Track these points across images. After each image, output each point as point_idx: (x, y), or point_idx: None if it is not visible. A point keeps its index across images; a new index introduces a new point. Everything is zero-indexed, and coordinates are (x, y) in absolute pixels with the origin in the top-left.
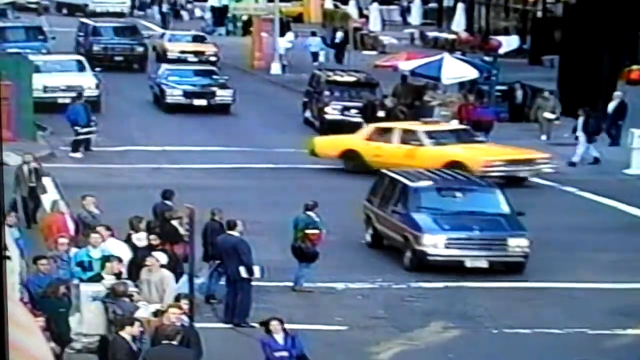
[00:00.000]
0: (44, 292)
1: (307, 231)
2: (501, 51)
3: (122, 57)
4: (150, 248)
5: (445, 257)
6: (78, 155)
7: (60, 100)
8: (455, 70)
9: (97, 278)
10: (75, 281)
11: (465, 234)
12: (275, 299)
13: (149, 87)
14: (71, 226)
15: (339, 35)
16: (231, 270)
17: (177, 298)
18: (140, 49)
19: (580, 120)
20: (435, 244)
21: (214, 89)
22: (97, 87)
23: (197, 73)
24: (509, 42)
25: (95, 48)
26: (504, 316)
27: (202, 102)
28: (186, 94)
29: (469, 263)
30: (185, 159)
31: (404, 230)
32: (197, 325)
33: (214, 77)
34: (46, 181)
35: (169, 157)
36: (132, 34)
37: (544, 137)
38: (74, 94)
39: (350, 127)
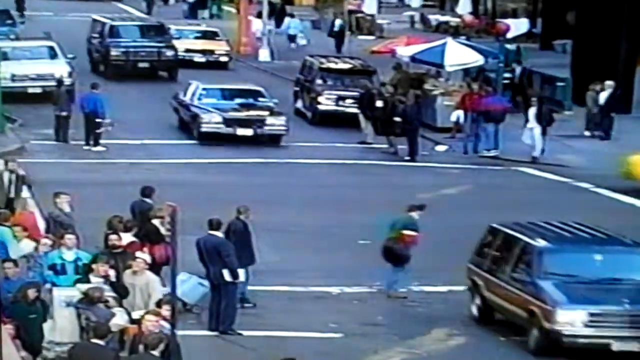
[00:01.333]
0: (14, 297)
1: (404, 232)
2: (509, 35)
3: (147, 63)
4: (124, 250)
5: (586, 337)
6: (101, 148)
7: (30, 90)
8: (459, 56)
9: (83, 282)
10: (47, 285)
11: (611, 308)
12: (264, 303)
13: (173, 109)
14: (41, 225)
15: (338, 22)
16: (214, 273)
17: (159, 303)
18: (169, 53)
19: (533, 110)
20: (573, 321)
21: (263, 115)
22: (71, 75)
23: (239, 94)
24: (517, 26)
25: (114, 53)
26: (511, 323)
27: (247, 131)
28: (227, 122)
29: (616, 346)
30: (165, 153)
31: (528, 303)
32: (180, 332)
33: (261, 99)
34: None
35: (149, 150)
36: (159, 35)
37: (587, 133)
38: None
39: (345, 119)
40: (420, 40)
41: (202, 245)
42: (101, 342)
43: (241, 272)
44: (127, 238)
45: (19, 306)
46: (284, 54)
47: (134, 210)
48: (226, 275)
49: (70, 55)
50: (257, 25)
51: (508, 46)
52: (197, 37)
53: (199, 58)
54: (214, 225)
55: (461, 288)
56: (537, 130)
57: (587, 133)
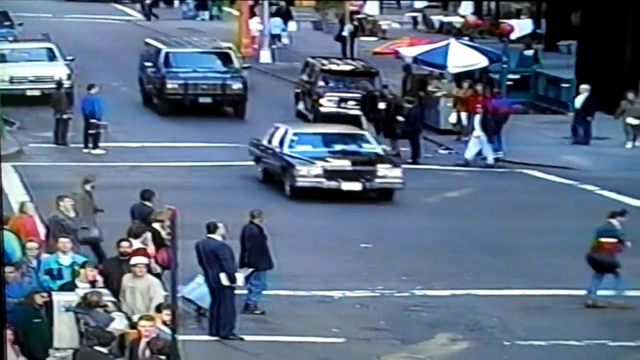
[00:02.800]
0: (19, 302)
1: (602, 239)
2: (513, 36)
3: (209, 97)
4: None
5: None
6: (100, 152)
7: (28, 93)
8: (463, 57)
9: (70, 286)
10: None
11: None
12: (266, 308)
13: (253, 159)
14: (41, 230)
15: (347, 27)
16: (212, 277)
17: (159, 308)
18: (236, 86)
19: (478, 116)
20: None
21: (373, 164)
22: (70, 77)
23: (339, 139)
24: (521, 27)
25: (171, 85)
26: (517, 326)
27: (355, 185)
28: (329, 174)
29: None
30: (166, 156)
31: None
32: (181, 337)
33: (366, 145)
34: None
35: (149, 154)
36: (224, 63)
37: (629, 145)
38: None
39: (347, 121)
40: (423, 41)
41: (201, 249)
42: (104, 350)
43: (239, 277)
44: (136, 244)
45: (23, 311)
46: (286, 56)
47: (134, 213)
48: (223, 279)
49: (69, 57)
50: (254, 25)
51: (525, 52)
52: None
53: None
54: (211, 228)
55: (464, 292)
56: (484, 137)
57: (568, 139)
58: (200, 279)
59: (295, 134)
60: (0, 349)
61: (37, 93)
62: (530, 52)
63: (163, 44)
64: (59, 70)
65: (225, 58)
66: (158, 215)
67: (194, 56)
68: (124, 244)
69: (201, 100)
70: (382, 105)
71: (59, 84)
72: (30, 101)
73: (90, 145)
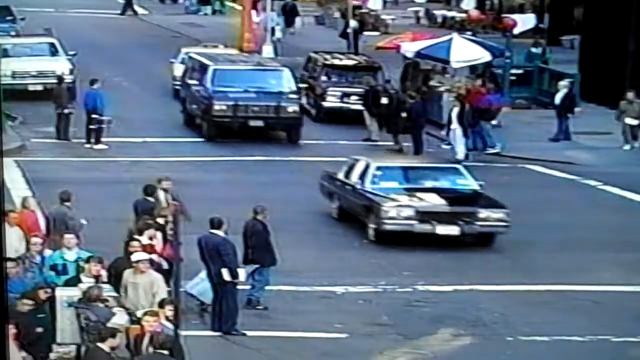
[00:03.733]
0: (21, 297)
1: None
2: (516, 31)
3: (261, 120)
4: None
5: None
6: (103, 147)
7: (30, 87)
8: (466, 52)
9: (75, 282)
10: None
11: None
12: (269, 303)
13: (326, 195)
14: (43, 225)
15: (353, 24)
16: (214, 272)
17: (162, 303)
18: (292, 108)
19: (455, 110)
20: None
21: (474, 203)
22: (72, 72)
23: (430, 174)
24: (524, 21)
25: (219, 107)
26: (519, 322)
27: (452, 229)
28: (422, 216)
29: None
30: (168, 151)
31: None
32: (183, 333)
33: (462, 181)
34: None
35: (151, 149)
36: (279, 83)
37: (627, 147)
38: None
39: (350, 116)
40: (426, 36)
41: (203, 244)
42: (106, 348)
43: (241, 272)
44: (144, 241)
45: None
46: (289, 51)
47: (137, 209)
48: (225, 274)
49: (71, 52)
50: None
51: (533, 49)
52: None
53: None
54: (214, 224)
55: (467, 287)
56: (459, 131)
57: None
58: (203, 274)
59: (378, 168)
60: (2, 345)
61: (39, 88)
62: (538, 49)
63: (210, 59)
64: (61, 65)
65: (280, 77)
66: (163, 210)
67: (246, 74)
68: (135, 243)
69: (252, 123)
70: (384, 100)
71: (60, 78)
72: (33, 96)
73: (93, 140)
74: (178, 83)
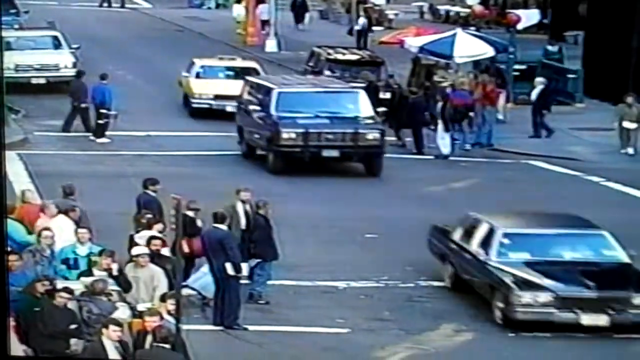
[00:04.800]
0: (23, 290)
1: None
2: (520, 26)
3: (336, 150)
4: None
5: None
6: (105, 140)
7: (33, 81)
8: (470, 47)
9: (87, 275)
10: (60, 279)
11: None
12: (270, 298)
13: (437, 256)
14: (45, 218)
15: (362, 22)
16: (217, 267)
17: (163, 298)
18: (371, 135)
19: (438, 106)
20: None
21: (626, 286)
22: (75, 65)
23: (570, 239)
24: (528, 17)
25: (287, 135)
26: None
27: (600, 319)
28: (564, 304)
29: None
30: (171, 145)
31: None
32: (185, 327)
33: (607, 250)
34: None
35: (154, 142)
36: (356, 106)
37: (630, 151)
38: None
39: None
40: (430, 31)
41: (206, 239)
42: (166, 346)
43: (245, 267)
44: (149, 235)
45: (24, 299)
46: (292, 45)
47: (139, 203)
48: (229, 268)
49: (74, 45)
50: (261, 9)
51: (549, 47)
52: (228, 76)
53: (232, 107)
54: (218, 218)
55: None
56: (440, 126)
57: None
58: (205, 268)
59: (506, 235)
60: (3, 338)
61: (42, 81)
62: (555, 47)
63: (271, 81)
64: (64, 58)
65: (355, 99)
66: (192, 203)
67: (315, 97)
68: (156, 242)
69: (325, 153)
70: (387, 95)
71: (79, 73)
72: (36, 89)
73: (98, 133)
74: (196, 100)
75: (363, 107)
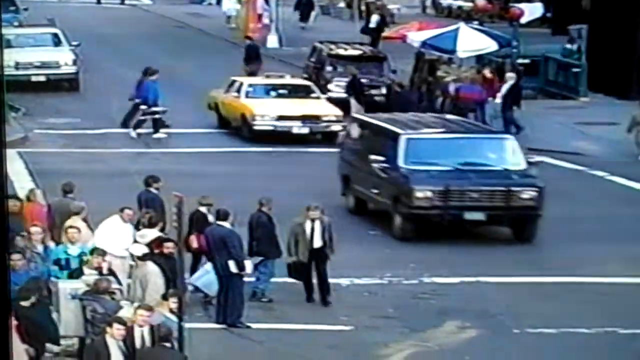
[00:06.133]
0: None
1: None
2: (523, 20)
3: (483, 213)
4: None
5: None
6: (162, 135)
7: (33, 78)
8: (473, 42)
9: (78, 274)
10: (53, 279)
11: None
12: (274, 296)
13: None
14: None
15: (375, 19)
16: (220, 264)
17: (165, 296)
18: (527, 195)
19: (438, 100)
20: None
21: None
22: (75, 63)
23: None
24: (531, 10)
25: (421, 195)
26: (526, 314)
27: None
28: None
29: None
30: (173, 143)
31: None
32: (187, 325)
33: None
34: None
35: (156, 140)
36: (501, 155)
37: None
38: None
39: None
40: (432, 26)
41: (209, 236)
42: (167, 345)
43: (248, 264)
44: (153, 233)
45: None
46: (294, 41)
47: (140, 201)
48: (232, 266)
49: (74, 43)
50: (261, 4)
51: (568, 46)
52: (286, 94)
53: (299, 128)
54: (221, 215)
55: (473, 279)
56: None
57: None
58: (208, 266)
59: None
60: (5, 337)
61: (42, 79)
62: (574, 46)
63: (393, 123)
64: (64, 56)
65: (502, 147)
66: (204, 199)
67: (453, 144)
68: (169, 244)
69: (469, 216)
70: (383, 90)
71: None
72: (36, 87)
73: (153, 129)
74: (259, 122)
75: (513, 156)
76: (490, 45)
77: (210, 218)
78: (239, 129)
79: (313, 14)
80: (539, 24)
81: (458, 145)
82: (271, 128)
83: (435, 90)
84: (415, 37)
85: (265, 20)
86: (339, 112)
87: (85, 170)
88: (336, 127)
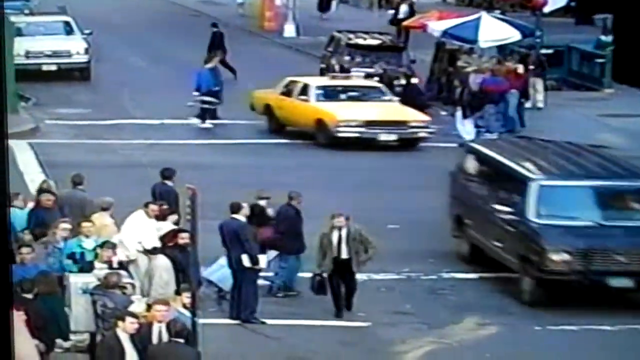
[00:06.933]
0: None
1: None
2: (546, 9)
3: (631, 278)
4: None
5: None
6: (207, 125)
7: (44, 68)
8: (495, 31)
9: (89, 269)
10: (67, 274)
11: None
12: (289, 291)
13: None
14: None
15: (404, 9)
16: (234, 258)
17: (178, 291)
18: None
19: (457, 91)
20: None
21: None
22: (87, 52)
23: None
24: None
25: (557, 257)
26: (547, 311)
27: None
28: None
29: None
30: (185, 134)
31: None
32: (201, 321)
33: None
34: None
35: (168, 131)
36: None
37: None
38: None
39: None
40: (453, 15)
41: (223, 230)
42: (180, 340)
43: (262, 259)
44: (166, 226)
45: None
46: (311, 30)
47: (154, 193)
48: (245, 260)
49: (86, 31)
50: None
51: (603, 37)
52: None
53: (385, 136)
54: (234, 208)
55: (492, 275)
56: (459, 113)
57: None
58: (223, 260)
59: None
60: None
61: (53, 68)
62: (608, 38)
63: (522, 162)
64: (76, 44)
65: None
66: (262, 192)
67: (601, 193)
68: (184, 235)
69: (614, 282)
70: (402, 81)
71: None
72: (47, 76)
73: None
74: (343, 129)
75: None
76: (513, 35)
77: (270, 212)
78: (309, 135)
79: (334, 3)
80: (562, 13)
81: (602, 194)
82: (356, 135)
83: (455, 80)
84: (436, 27)
85: (278, 2)
86: (425, 117)
87: (97, 162)
88: (423, 134)
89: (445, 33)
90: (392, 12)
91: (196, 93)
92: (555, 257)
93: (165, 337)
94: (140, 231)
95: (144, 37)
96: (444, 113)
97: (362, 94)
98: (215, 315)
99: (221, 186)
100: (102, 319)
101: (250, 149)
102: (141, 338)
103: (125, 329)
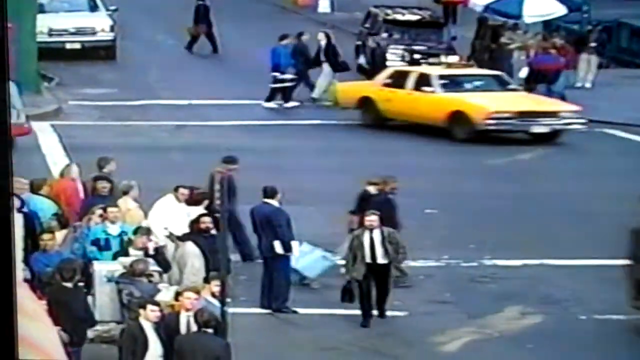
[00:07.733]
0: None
1: None
2: None
3: None
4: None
5: None
6: (271, 105)
7: (68, 46)
8: (540, 6)
9: (124, 254)
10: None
11: None
12: (322, 279)
13: None
14: (82, 195)
15: None
16: (264, 245)
17: (207, 279)
18: None
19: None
20: None
21: None
22: (112, 29)
23: None
24: None
25: None
26: (593, 300)
27: None
28: None
29: None
30: (215, 115)
31: None
32: (231, 310)
33: None
34: None
35: (197, 112)
36: None
37: None
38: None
39: None
40: None
41: (255, 215)
42: (209, 331)
43: (295, 245)
44: (196, 211)
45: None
46: (346, 5)
47: (212, 180)
48: (277, 246)
49: (112, 7)
50: None
51: None
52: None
53: (537, 128)
54: (268, 193)
55: (536, 262)
56: None
57: None
58: (306, 247)
59: None
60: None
61: (77, 46)
62: None
63: None
64: (101, 22)
65: None
66: (373, 178)
67: None
68: (206, 219)
69: None
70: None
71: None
72: (70, 55)
73: (280, 99)
74: (494, 121)
75: None
76: (559, 10)
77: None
78: (441, 129)
79: None
80: None
81: None
82: (508, 128)
83: (498, 59)
84: (478, 1)
85: None
86: (573, 106)
87: (123, 144)
88: (576, 125)
89: (487, 8)
90: None
91: (276, 73)
92: None
93: (193, 327)
94: (169, 216)
95: (172, 14)
96: None
97: (487, 83)
98: (245, 304)
99: (253, 171)
100: (128, 309)
101: (282, 130)
102: (167, 328)
103: (147, 317)
